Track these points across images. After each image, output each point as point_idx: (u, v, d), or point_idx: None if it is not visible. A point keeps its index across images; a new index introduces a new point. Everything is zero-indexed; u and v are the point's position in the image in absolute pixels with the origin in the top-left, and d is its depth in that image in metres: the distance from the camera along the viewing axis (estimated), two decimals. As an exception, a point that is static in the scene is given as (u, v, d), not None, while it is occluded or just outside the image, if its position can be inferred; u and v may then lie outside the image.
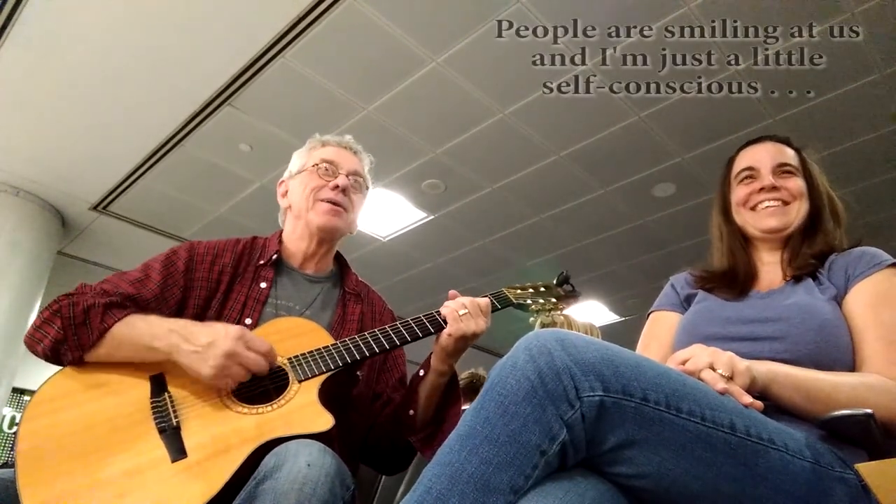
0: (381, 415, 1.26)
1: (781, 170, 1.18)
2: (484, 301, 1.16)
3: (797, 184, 1.17)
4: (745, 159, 1.23)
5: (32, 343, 1.06)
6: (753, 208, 1.18)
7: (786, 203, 1.16)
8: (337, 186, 1.30)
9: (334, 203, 1.30)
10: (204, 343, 0.99)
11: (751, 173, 1.20)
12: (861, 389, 0.88)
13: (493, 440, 0.66)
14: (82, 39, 2.98)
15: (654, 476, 0.69)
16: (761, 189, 1.17)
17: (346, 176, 1.33)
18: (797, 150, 1.23)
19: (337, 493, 0.82)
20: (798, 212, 1.16)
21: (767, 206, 1.16)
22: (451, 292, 1.17)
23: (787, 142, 1.24)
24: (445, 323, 1.14)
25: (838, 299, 1.04)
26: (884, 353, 0.95)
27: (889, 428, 0.85)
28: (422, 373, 1.19)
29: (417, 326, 1.14)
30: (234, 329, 1.01)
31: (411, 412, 1.18)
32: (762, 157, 1.20)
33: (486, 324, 1.14)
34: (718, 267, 1.23)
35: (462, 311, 1.12)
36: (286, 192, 1.39)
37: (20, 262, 4.13)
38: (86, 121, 3.53)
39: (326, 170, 1.33)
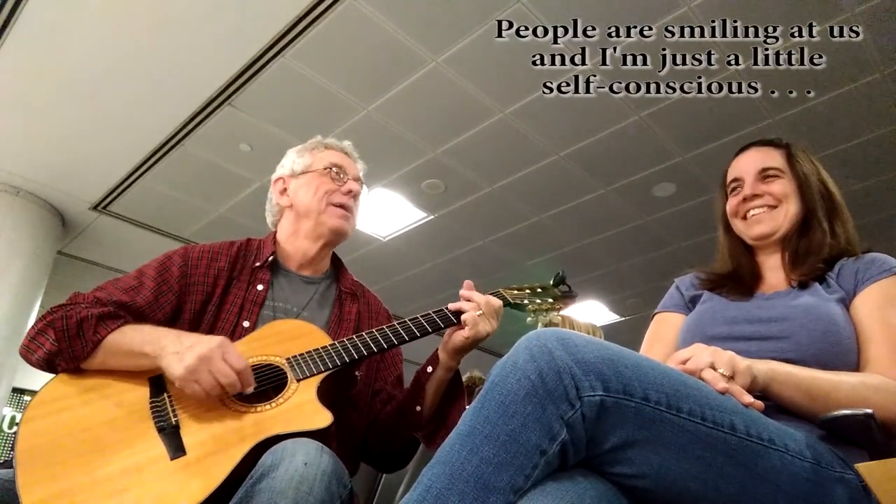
0: (383, 412, 1.26)
1: (764, 175, 1.19)
2: (497, 303, 1.17)
3: (781, 186, 1.17)
4: (733, 170, 1.25)
5: (27, 353, 1.07)
6: (744, 217, 1.20)
7: (772, 207, 1.17)
8: (350, 191, 1.34)
9: (346, 208, 1.33)
10: (187, 346, 0.99)
11: (737, 184, 1.22)
12: (861, 389, 0.88)
13: (494, 439, 0.66)
14: (82, 39, 2.98)
15: (654, 476, 0.69)
16: (744, 199, 1.19)
17: (355, 181, 1.36)
18: (786, 148, 1.22)
19: (334, 491, 0.82)
20: (786, 214, 1.16)
21: (754, 214, 1.18)
22: (467, 282, 1.17)
23: (773, 143, 1.24)
24: (444, 324, 1.14)
25: (846, 302, 1.03)
26: (888, 355, 0.94)
27: (889, 428, 0.85)
28: (430, 369, 1.19)
29: (415, 326, 1.14)
30: (218, 337, 1.01)
31: (418, 408, 1.18)
32: (746, 166, 1.22)
33: (497, 324, 1.16)
34: (723, 269, 1.24)
35: (478, 313, 1.12)
36: (285, 189, 1.37)
37: (20, 262, 4.13)
38: (85, 121, 3.53)
39: (338, 174, 1.35)
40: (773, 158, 1.20)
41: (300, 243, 1.33)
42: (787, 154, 1.21)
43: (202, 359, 0.96)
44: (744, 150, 1.25)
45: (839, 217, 1.16)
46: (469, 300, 1.14)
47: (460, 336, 1.13)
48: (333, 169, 1.35)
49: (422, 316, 1.15)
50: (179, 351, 0.98)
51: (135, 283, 1.17)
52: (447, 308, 1.15)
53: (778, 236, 1.16)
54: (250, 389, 1.01)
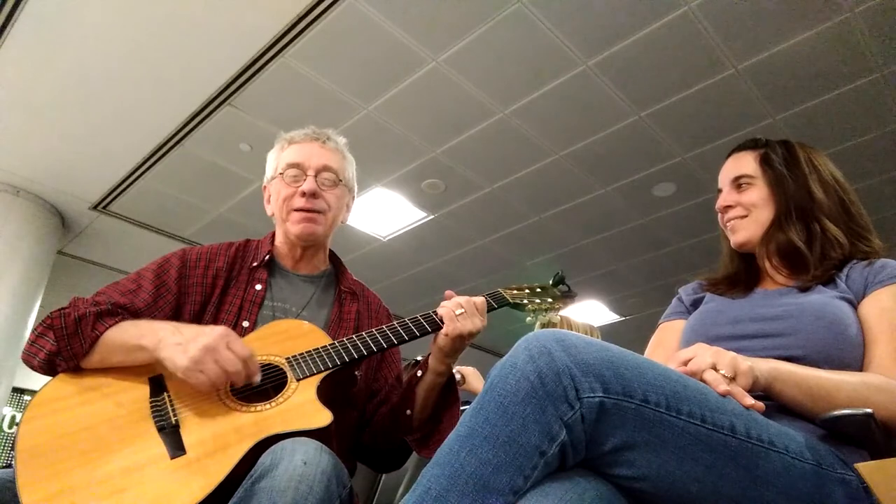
0: (377, 414, 1.26)
1: (736, 184, 1.20)
2: (479, 300, 1.17)
3: (751, 195, 1.17)
4: (719, 179, 1.26)
5: (28, 358, 1.07)
6: (726, 226, 1.22)
7: (743, 217, 1.18)
8: (304, 193, 1.27)
9: (306, 211, 1.27)
10: (189, 336, 0.99)
11: (719, 194, 1.24)
12: (862, 388, 0.88)
13: (493, 440, 0.66)
14: (82, 39, 2.98)
15: (653, 478, 0.69)
16: (719, 210, 1.22)
17: (315, 176, 1.28)
18: (764, 148, 1.20)
19: (333, 491, 0.82)
20: (757, 221, 1.16)
21: (730, 224, 1.20)
22: (448, 292, 1.18)
23: (751, 146, 1.22)
24: (443, 322, 1.14)
25: (853, 304, 1.03)
26: (890, 355, 0.94)
27: (890, 428, 0.85)
28: (419, 373, 1.19)
29: (415, 326, 1.15)
30: (220, 328, 1.01)
31: (408, 412, 1.18)
32: (723, 175, 1.23)
33: (482, 322, 1.14)
34: (724, 272, 1.24)
35: (458, 311, 1.12)
36: (269, 197, 1.37)
37: (20, 262, 4.13)
38: (86, 121, 3.53)
39: (294, 177, 1.29)
40: (746, 165, 1.19)
41: (286, 246, 1.34)
42: (762, 157, 1.18)
43: (207, 349, 0.96)
44: (727, 156, 1.26)
45: (825, 214, 1.11)
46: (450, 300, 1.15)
47: (441, 335, 1.13)
48: (288, 172, 1.29)
49: (421, 315, 1.15)
50: (182, 342, 0.98)
51: (133, 285, 1.18)
52: (435, 311, 1.16)
53: (753, 244, 1.17)
54: (257, 378, 1.01)
